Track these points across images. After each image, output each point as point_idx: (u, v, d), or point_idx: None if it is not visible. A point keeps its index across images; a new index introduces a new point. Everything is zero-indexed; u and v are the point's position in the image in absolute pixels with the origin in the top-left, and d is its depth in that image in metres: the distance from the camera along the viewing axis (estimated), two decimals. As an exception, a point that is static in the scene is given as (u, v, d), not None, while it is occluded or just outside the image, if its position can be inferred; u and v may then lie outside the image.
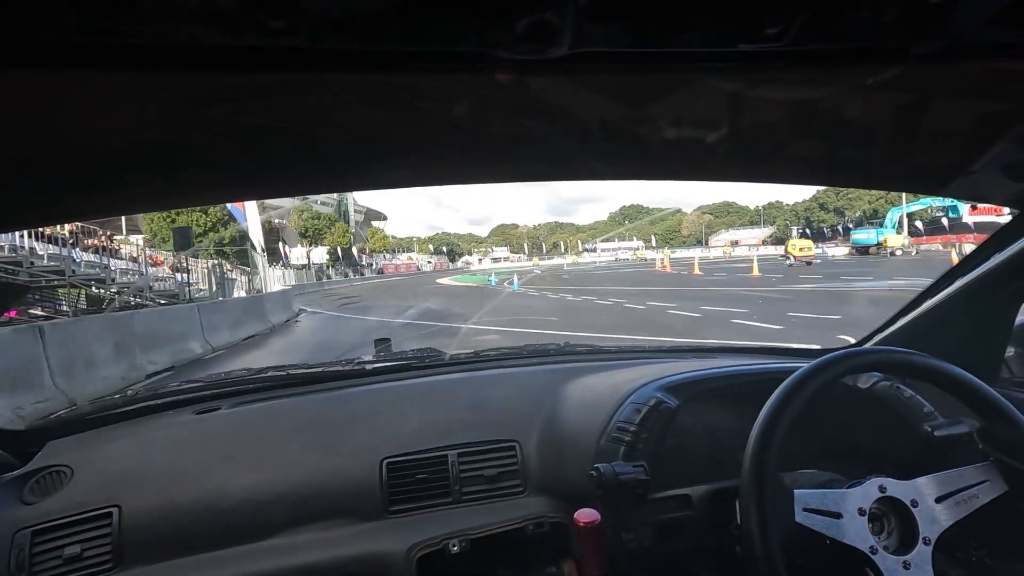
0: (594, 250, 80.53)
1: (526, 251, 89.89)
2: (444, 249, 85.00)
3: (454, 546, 1.00)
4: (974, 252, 1.04)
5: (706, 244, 72.36)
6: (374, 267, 48.73)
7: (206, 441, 1.08)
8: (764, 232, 72.10)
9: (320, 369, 1.41)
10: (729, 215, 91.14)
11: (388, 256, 54.82)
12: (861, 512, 0.78)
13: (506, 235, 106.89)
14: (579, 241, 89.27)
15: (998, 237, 0.97)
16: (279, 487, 0.99)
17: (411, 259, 60.84)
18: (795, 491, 0.78)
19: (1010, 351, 1.11)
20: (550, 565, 1.05)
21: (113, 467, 1.00)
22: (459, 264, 73.17)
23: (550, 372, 1.37)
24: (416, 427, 1.12)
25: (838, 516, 0.77)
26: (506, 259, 77.68)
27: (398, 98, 0.49)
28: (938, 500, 0.79)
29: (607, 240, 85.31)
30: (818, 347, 1.45)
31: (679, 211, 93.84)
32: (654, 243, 79.51)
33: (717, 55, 0.45)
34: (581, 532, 0.88)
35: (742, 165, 0.72)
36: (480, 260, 75.49)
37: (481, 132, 0.56)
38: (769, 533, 0.73)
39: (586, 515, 0.87)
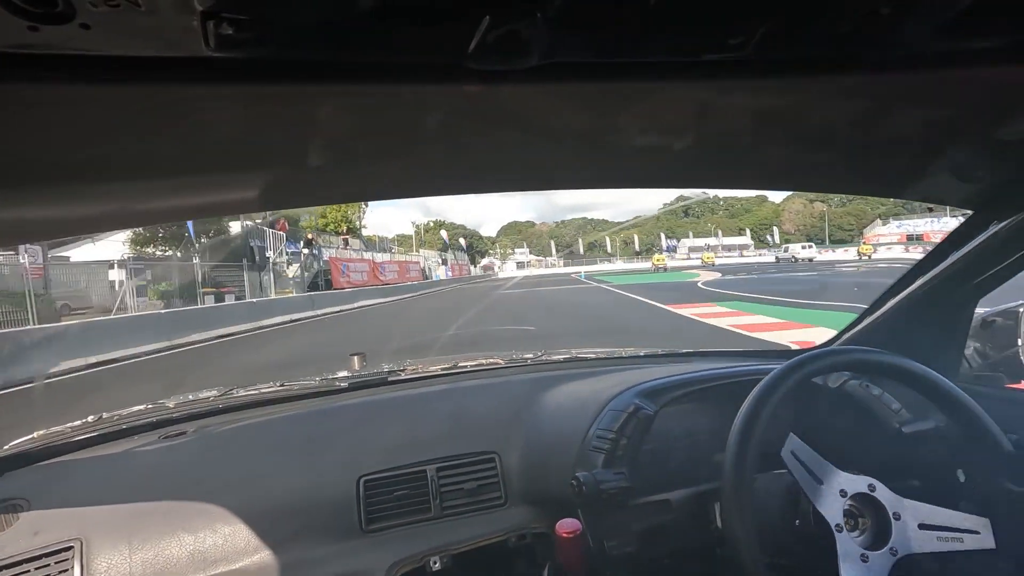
0: (673, 250, 71.98)
1: (553, 252, 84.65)
2: (462, 243, 57.02)
3: (435, 562, 1.06)
4: (932, 252, 1.14)
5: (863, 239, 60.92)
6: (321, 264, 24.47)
7: (173, 466, 1.12)
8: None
9: (293, 386, 1.45)
10: (854, 202, 77.86)
11: (354, 250, 30.89)
12: (843, 493, 0.84)
13: (522, 234, 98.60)
14: (606, 242, 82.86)
15: (953, 237, 1.07)
16: (253, 508, 1.03)
17: (410, 258, 40.59)
18: (790, 434, 0.86)
19: (969, 347, 1.22)
20: (529, 573, 1.10)
21: (74, 498, 1.02)
22: (479, 270, 60.68)
23: (529, 382, 1.44)
24: (394, 442, 1.18)
25: (819, 482, 0.84)
26: (529, 263, 72.75)
27: (372, 109, 0.51)
28: (921, 527, 0.84)
29: (698, 238, 77.31)
30: (791, 348, 1.50)
31: (765, 200, 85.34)
32: (775, 239, 70.92)
33: (683, 65, 0.49)
34: (562, 543, 0.94)
35: (710, 172, 0.79)
36: (501, 264, 68.54)
37: (457, 142, 0.60)
38: (750, 534, 0.79)
39: (567, 526, 0.94)
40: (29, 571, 0.90)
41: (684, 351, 1.74)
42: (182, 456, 1.15)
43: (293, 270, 21.24)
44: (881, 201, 76.35)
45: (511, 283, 30.63)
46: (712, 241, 72.18)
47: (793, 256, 44.51)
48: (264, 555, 1.01)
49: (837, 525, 0.82)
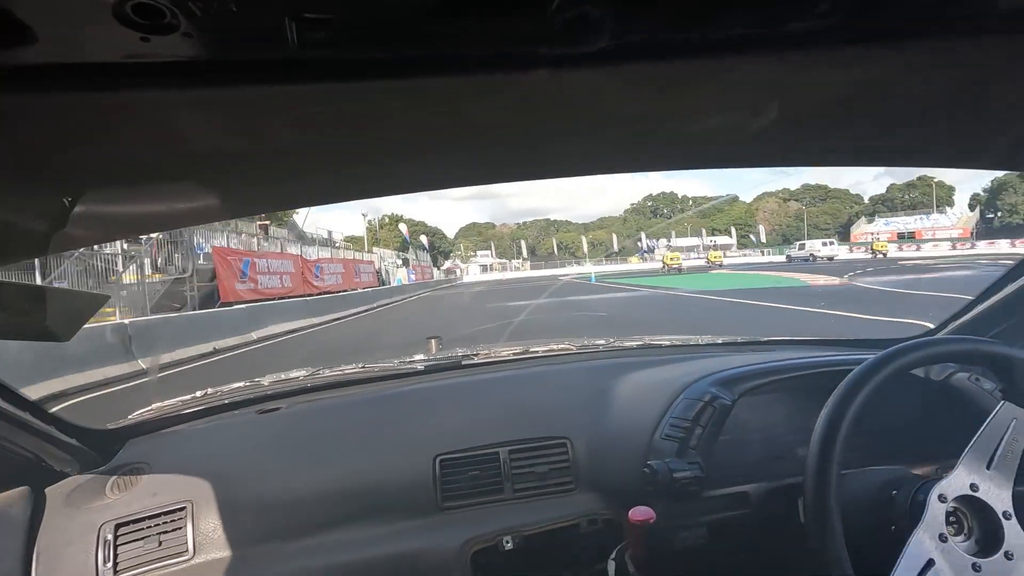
0: (651, 251, 67.78)
1: (524, 253, 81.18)
2: (424, 241, 49.65)
3: (507, 542, 1.11)
4: None
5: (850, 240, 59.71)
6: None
7: (267, 439, 1.24)
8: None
9: (374, 368, 1.58)
10: (827, 201, 78.35)
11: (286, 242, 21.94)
12: (942, 499, 0.79)
13: (483, 235, 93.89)
14: (581, 243, 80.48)
15: None
16: (336, 483, 1.13)
17: (361, 258, 31.46)
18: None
19: None
20: (601, 562, 1.16)
21: (185, 464, 1.15)
22: (441, 273, 54.17)
23: (600, 368, 1.49)
24: (467, 424, 1.25)
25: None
26: (492, 267, 68.84)
27: (436, 101, 0.52)
28: None
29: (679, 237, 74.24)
30: (883, 337, 1.51)
31: (736, 199, 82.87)
32: (760, 238, 70.20)
33: (764, 37, 0.47)
34: (633, 529, 0.95)
35: (795, 149, 0.78)
36: (464, 267, 62.44)
37: (519, 130, 0.61)
38: (837, 532, 0.78)
39: (640, 513, 0.94)
40: (149, 527, 1.04)
41: (765, 339, 1.74)
42: (276, 430, 1.27)
43: (132, 271, 12.46)
44: (854, 200, 74.47)
45: (503, 291, 23.41)
46: (694, 240, 71.44)
47: (811, 254, 40.64)
48: (347, 526, 1.11)
49: (941, 535, 0.77)
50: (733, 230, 72.72)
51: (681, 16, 0.42)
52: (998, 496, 0.79)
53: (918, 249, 49.67)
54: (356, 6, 0.38)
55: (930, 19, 0.46)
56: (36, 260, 9.48)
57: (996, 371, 0.90)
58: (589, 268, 51.46)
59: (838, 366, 1.16)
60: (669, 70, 0.50)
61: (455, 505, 1.15)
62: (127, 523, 1.04)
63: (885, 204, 68.06)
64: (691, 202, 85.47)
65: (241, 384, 1.52)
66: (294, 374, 1.59)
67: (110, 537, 1.02)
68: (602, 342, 1.74)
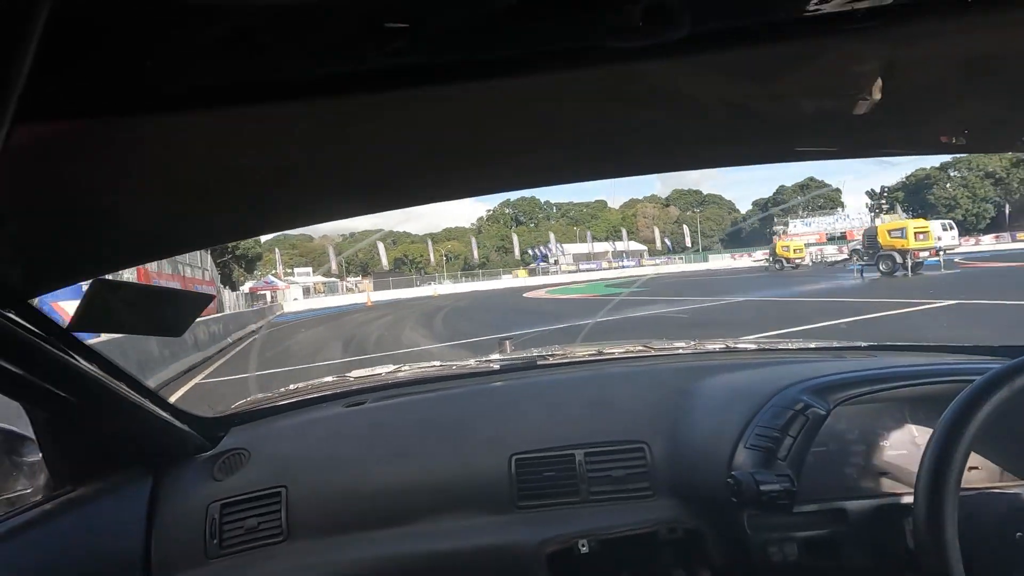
0: (545, 259, 58.38)
1: (339, 270, 66.68)
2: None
3: (583, 546, 1.17)
4: None
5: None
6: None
7: (353, 432, 1.36)
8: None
9: (451, 367, 1.73)
10: (706, 206, 74.86)
11: None
12: None
13: (298, 248, 77.44)
14: (431, 255, 67.86)
15: None
16: (416, 476, 1.24)
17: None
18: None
19: None
20: (679, 570, 1.22)
21: (280, 452, 1.29)
22: (241, 297, 35.47)
23: (680, 371, 1.55)
24: (543, 425, 1.33)
25: None
26: (315, 287, 52.57)
27: (511, 102, 0.54)
28: None
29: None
30: (999, 344, 1.42)
31: (605, 205, 77.37)
32: (687, 243, 62.84)
33: (859, 13, 0.44)
34: None
35: (894, 135, 0.74)
36: (273, 295, 39.55)
37: (594, 127, 0.62)
38: (955, 561, 0.73)
39: None
40: (250, 508, 1.17)
41: (864, 344, 1.74)
42: (361, 424, 1.38)
43: None
44: (730, 206, 69.53)
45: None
46: (606, 246, 65.61)
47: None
48: (428, 518, 1.20)
49: None
50: (658, 231, 69.72)
51: (763, 1, 0.42)
52: None
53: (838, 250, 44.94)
54: (432, 12, 0.39)
55: None
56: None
57: None
58: (456, 287, 43.91)
59: (954, 375, 1.12)
60: (754, 56, 0.49)
61: (531, 505, 1.22)
62: (231, 503, 1.16)
63: (778, 206, 64.20)
64: (555, 209, 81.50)
65: (331, 379, 1.75)
66: (378, 371, 1.77)
67: (216, 516, 1.14)
68: (681, 344, 1.79)
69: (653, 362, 1.62)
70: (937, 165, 53.86)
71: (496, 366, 1.64)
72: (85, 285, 0.75)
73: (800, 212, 60.16)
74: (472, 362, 1.74)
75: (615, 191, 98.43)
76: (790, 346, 1.77)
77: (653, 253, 65.30)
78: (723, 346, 1.76)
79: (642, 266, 54.82)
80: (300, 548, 1.14)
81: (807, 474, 1.04)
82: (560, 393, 1.46)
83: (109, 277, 0.75)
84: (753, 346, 1.79)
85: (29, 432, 1.10)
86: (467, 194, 0.76)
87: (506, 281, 47.50)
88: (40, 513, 1.05)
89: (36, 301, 0.77)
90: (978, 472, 1.05)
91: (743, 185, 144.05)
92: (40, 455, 1.11)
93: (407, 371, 1.69)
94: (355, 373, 1.76)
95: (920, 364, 1.30)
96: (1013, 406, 0.77)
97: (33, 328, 0.78)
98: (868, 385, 1.12)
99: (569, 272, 52.03)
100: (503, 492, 1.21)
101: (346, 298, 38.69)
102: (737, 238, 69.76)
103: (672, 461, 1.23)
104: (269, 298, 37.10)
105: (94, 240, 0.68)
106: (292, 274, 60.49)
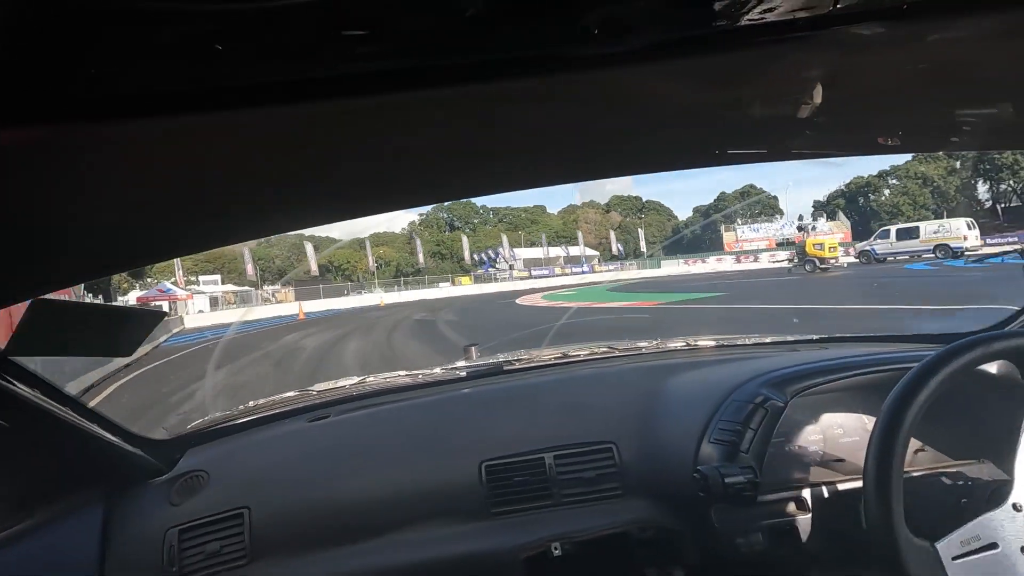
0: (493, 263, 55.72)
1: (255, 277, 56.95)
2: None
3: (556, 549, 1.18)
4: None
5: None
6: None
7: (318, 447, 1.36)
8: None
9: (418, 376, 1.71)
10: (646, 212, 74.26)
11: None
12: (1016, 508, 0.82)
13: (207, 252, 46.11)
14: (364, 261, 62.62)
15: None
16: (385, 489, 1.23)
17: None
18: (936, 545, 0.84)
19: None
20: (652, 568, 1.23)
21: (242, 471, 1.27)
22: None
23: (644, 370, 1.57)
24: (512, 430, 1.34)
25: (993, 547, 0.82)
26: (225, 297, 45.73)
27: (476, 108, 0.55)
28: None
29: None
30: (943, 332, 1.56)
31: (544, 210, 75.06)
32: (641, 248, 61.69)
33: (800, 22, 0.45)
34: None
35: (834, 138, 0.77)
36: (172, 307, 30.58)
37: (558, 132, 0.63)
38: (901, 537, 0.79)
39: None
40: (210, 532, 1.14)
41: (816, 337, 1.82)
42: (326, 438, 1.38)
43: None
44: (670, 214, 70.27)
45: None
46: (559, 251, 62.54)
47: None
48: (399, 531, 1.19)
49: (1015, 504, 0.81)
50: (614, 236, 67.48)
51: (719, 7, 0.42)
52: None
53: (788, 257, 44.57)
54: (394, 20, 0.39)
55: None
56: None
57: None
58: (401, 296, 36.82)
59: (897, 363, 1.18)
60: (714, 63, 0.51)
61: (504, 511, 1.24)
62: (190, 528, 1.14)
63: (720, 212, 65.19)
64: (491, 215, 79.27)
65: (292, 394, 1.69)
66: (342, 383, 1.74)
67: (175, 542, 1.12)
68: (645, 344, 1.81)
69: (618, 363, 1.65)
70: (875, 173, 55.55)
71: (463, 373, 1.65)
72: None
73: (739, 220, 60.85)
74: (439, 370, 1.74)
75: (553, 196, 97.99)
76: (747, 342, 1.84)
77: (605, 259, 63.84)
78: (684, 344, 1.81)
79: (596, 272, 51.97)
80: (265, 570, 1.13)
81: (769, 465, 1.08)
82: (528, 397, 1.48)
83: (50, 297, 0.71)
84: (713, 343, 1.83)
85: None
86: (431, 200, 0.77)
87: (446, 290, 41.11)
88: None
89: None
90: (924, 454, 1.10)
91: (680, 195, 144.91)
92: None
93: (372, 381, 1.69)
94: (318, 386, 1.73)
95: (868, 354, 1.33)
96: (946, 390, 0.83)
97: None
98: (821, 376, 1.17)
99: (522, 278, 47.99)
100: (475, 500, 1.22)
101: (267, 310, 31.94)
102: (679, 245, 69.59)
103: (640, 459, 1.25)
104: (180, 308, 30.42)
105: (31, 257, 0.61)
106: (196, 282, 52.13)
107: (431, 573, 1.14)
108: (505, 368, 1.63)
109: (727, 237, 58.96)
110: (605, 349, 1.74)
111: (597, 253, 65.74)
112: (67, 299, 0.82)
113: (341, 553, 1.14)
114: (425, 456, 1.27)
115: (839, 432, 1.17)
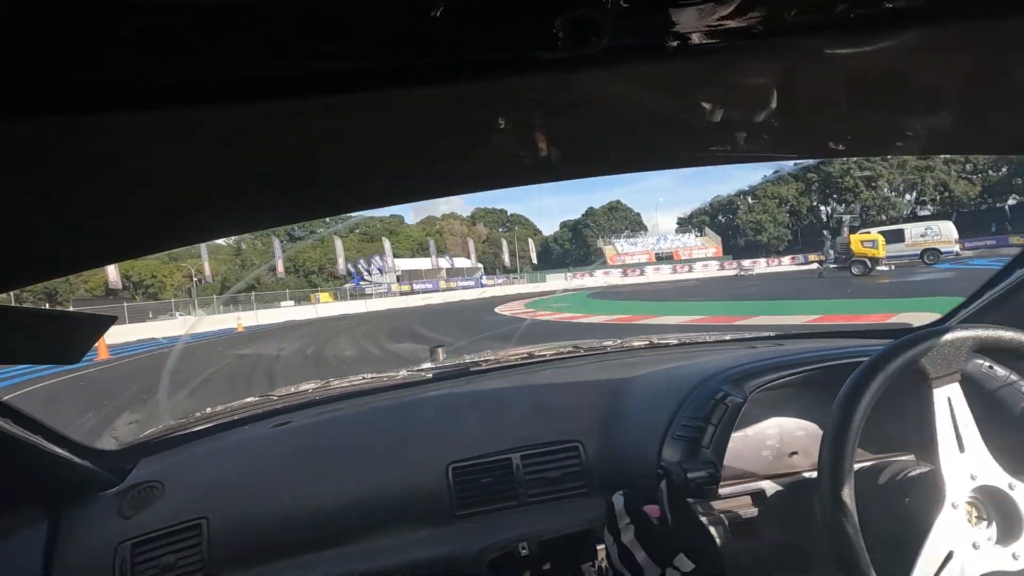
0: (397, 278, 49.11)
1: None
2: None
3: (523, 549, 1.21)
4: None
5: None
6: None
7: (280, 453, 1.36)
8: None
9: (382, 378, 1.72)
10: (512, 226, 73.71)
11: None
12: (954, 506, 0.85)
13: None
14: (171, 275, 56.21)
15: None
16: (350, 494, 1.25)
17: None
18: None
19: None
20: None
21: (199, 481, 1.27)
22: None
23: (608, 368, 1.62)
24: (478, 431, 1.37)
25: (949, 557, 0.85)
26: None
27: (440, 110, 0.55)
28: None
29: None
30: (895, 326, 1.86)
31: (402, 221, 71.91)
32: (533, 259, 61.42)
33: (766, 31, 0.48)
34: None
35: (788, 141, 0.77)
36: None
37: (529, 134, 0.64)
38: (854, 528, 0.81)
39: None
40: (165, 544, 1.12)
41: (774, 334, 1.89)
42: (287, 444, 1.38)
43: None
44: (535, 229, 69.52)
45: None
46: (444, 262, 57.86)
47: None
48: (363, 537, 1.20)
49: (974, 544, 0.83)
50: (506, 248, 66.66)
51: (679, 16, 0.44)
52: (995, 475, 0.86)
53: (689, 270, 50.19)
54: (360, 20, 0.39)
55: (936, 3, 0.47)
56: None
57: (1020, 358, 1.00)
58: (261, 317, 28.52)
59: (850, 357, 1.22)
60: (673, 68, 0.52)
61: (469, 513, 1.26)
62: (144, 541, 1.12)
63: (588, 227, 64.87)
64: (357, 229, 74.16)
65: (252, 399, 1.67)
66: (304, 387, 1.74)
67: (127, 556, 1.09)
68: (609, 343, 1.86)
69: (583, 361, 1.70)
70: (734, 192, 60.73)
71: (429, 375, 1.67)
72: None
73: (611, 235, 62.81)
74: (404, 372, 1.75)
75: (411, 206, 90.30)
76: (708, 339, 1.90)
77: (489, 272, 63.03)
78: (647, 343, 1.87)
79: (484, 285, 49.63)
80: None
81: (729, 459, 1.12)
82: (495, 398, 1.51)
83: None
84: (675, 341, 1.90)
85: None
86: (393, 202, 0.76)
87: (291, 311, 32.75)
88: None
89: None
90: (876, 446, 1.15)
91: (548, 211, 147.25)
92: None
93: (336, 385, 1.70)
94: (279, 391, 1.71)
95: (823, 349, 1.39)
96: (892, 384, 0.86)
97: None
98: (779, 371, 1.22)
99: (404, 293, 43.33)
100: (441, 503, 1.24)
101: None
102: (547, 259, 70.69)
103: (605, 457, 1.29)
104: None
105: None
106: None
107: None
108: (471, 369, 1.67)
109: (608, 251, 59.88)
110: (571, 348, 1.81)
111: (481, 266, 62.72)
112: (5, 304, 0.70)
113: (304, 561, 1.14)
114: (391, 460, 1.28)
115: (796, 426, 1.21)
